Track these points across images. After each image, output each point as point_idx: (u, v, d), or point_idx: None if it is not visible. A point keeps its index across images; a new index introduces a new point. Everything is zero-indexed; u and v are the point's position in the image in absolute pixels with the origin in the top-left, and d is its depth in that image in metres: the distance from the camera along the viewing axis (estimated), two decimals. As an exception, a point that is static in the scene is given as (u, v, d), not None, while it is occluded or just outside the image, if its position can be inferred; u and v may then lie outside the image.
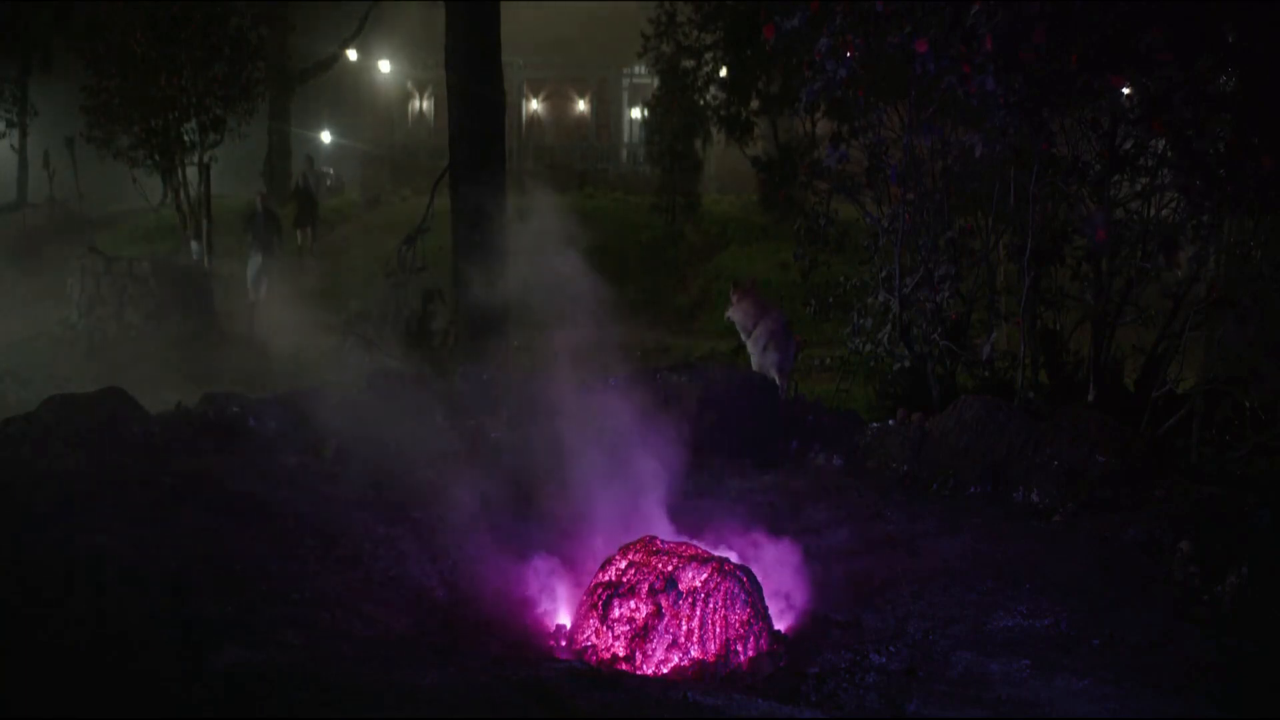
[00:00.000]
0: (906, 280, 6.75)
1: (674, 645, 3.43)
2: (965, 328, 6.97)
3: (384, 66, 32.20)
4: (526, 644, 3.66)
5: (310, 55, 25.04)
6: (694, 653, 3.42)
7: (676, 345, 14.13)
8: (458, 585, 3.97)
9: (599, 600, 3.55)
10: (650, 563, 3.58)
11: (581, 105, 34.88)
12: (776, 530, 4.30)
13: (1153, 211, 6.29)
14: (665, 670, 3.40)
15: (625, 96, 34.20)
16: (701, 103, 22.98)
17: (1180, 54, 5.48)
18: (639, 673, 3.38)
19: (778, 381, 7.96)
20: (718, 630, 3.45)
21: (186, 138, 14.79)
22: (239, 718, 2.58)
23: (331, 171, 27.17)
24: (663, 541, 3.72)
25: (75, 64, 15.38)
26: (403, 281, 12.53)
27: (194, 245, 15.14)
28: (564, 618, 3.83)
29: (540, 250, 5.05)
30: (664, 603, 3.46)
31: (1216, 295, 5.99)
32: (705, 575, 3.51)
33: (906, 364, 7.02)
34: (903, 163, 6.62)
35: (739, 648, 3.45)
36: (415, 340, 11.81)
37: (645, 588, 3.50)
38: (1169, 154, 6.00)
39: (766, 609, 3.63)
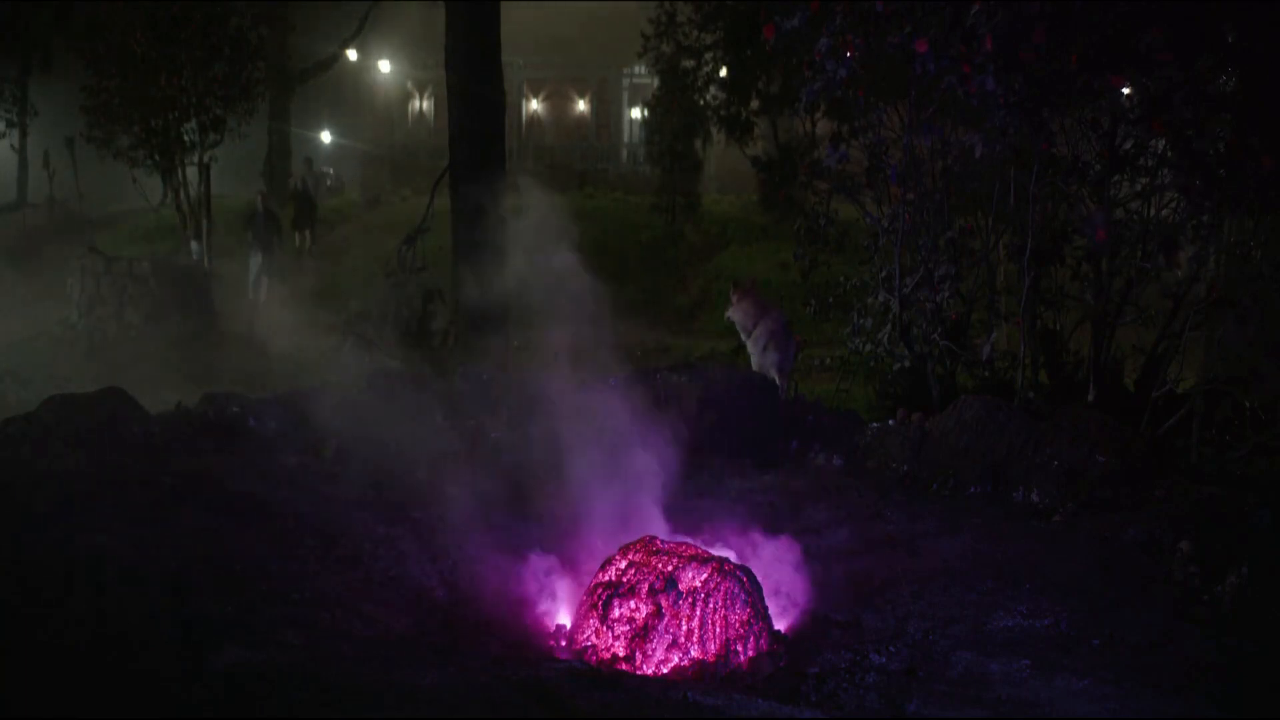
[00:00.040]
0: (906, 280, 6.75)
1: (674, 645, 3.43)
2: (965, 328, 6.97)
3: (384, 66, 32.20)
4: (526, 644, 3.66)
5: (310, 55, 25.03)
6: (694, 653, 3.42)
7: (676, 345, 14.12)
8: (458, 585, 3.97)
9: (599, 600, 3.55)
10: (650, 563, 3.58)
11: (581, 105, 34.88)
12: (776, 530, 4.30)
13: (1153, 211, 6.29)
14: (665, 670, 3.40)
15: (625, 96, 34.19)
16: (701, 103, 22.97)
17: (1180, 54, 5.48)
18: (639, 673, 3.38)
19: (778, 381, 7.96)
20: (718, 630, 3.45)
21: (186, 138, 14.78)
22: (239, 718, 2.58)
23: (331, 171, 27.18)
24: (663, 541, 3.72)
25: (75, 64, 15.38)
26: (403, 281, 12.54)
27: (194, 245, 15.14)
28: (564, 618, 3.82)
29: (540, 250, 5.05)
30: (664, 603, 3.46)
31: (1216, 295, 5.99)
32: (705, 575, 3.51)
33: (906, 364, 7.02)
34: (903, 163, 6.62)
35: (739, 648, 3.45)
36: (415, 340, 11.82)
37: (645, 588, 3.50)
38: (1169, 154, 6.00)
39: (766, 609, 3.63)
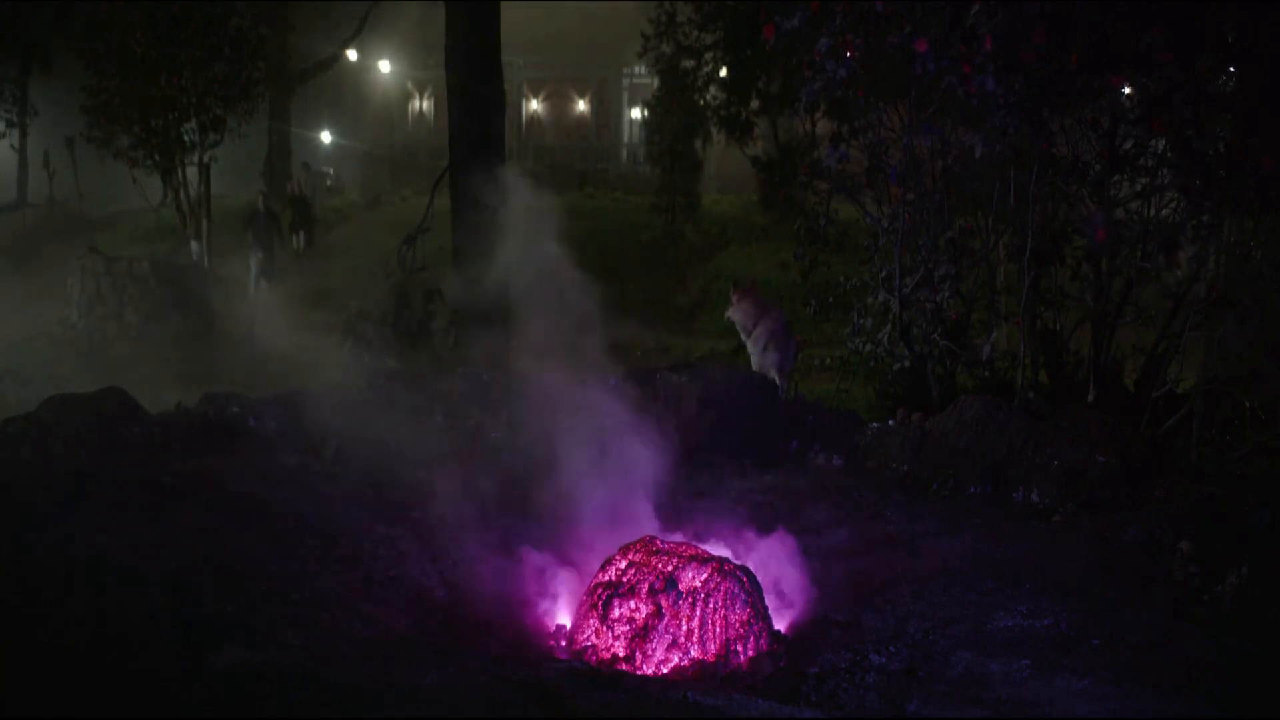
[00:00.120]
0: (906, 280, 6.75)
1: (674, 645, 3.43)
2: (965, 328, 6.97)
3: (384, 66, 32.19)
4: (526, 644, 3.66)
5: (310, 55, 25.01)
6: (694, 653, 3.42)
7: (676, 345, 14.12)
8: (458, 585, 3.97)
9: (599, 600, 3.55)
10: (650, 563, 3.58)
11: (581, 105, 34.88)
12: (776, 530, 4.30)
13: (1153, 211, 6.30)
14: (665, 670, 3.40)
15: (625, 96, 34.18)
16: (701, 103, 22.96)
17: (1180, 54, 5.48)
18: (639, 673, 3.38)
19: (778, 381, 7.96)
20: (718, 630, 3.45)
21: (186, 138, 14.77)
22: (239, 718, 2.58)
23: (331, 171, 27.16)
24: (662, 541, 3.72)
25: (75, 64, 15.35)
26: (403, 281, 12.53)
27: (194, 245, 15.13)
28: (564, 618, 3.82)
29: (540, 250, 5.05)
30: (664, 603, 3.46)
31: (1216, 295, 5.99)
32: (705, 575, 3.51)
33: (906, 364, 7.02)
34: (903, 163, 6.62)
35: (739, 648, 3.45)
36: (415, 340, 11.81)
37: (645, 588, 3.50)
38: (1169, 154, 6.00)
39: (766, 609, 3.63)
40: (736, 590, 3.51)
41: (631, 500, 4.21)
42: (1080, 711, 3.03)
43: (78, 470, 4.46)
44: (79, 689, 2.67)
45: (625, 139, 33.96)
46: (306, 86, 25.13)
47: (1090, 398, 6.20)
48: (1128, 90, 6.04)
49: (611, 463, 4.26)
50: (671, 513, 4.51)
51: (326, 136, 28.67)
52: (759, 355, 8.62)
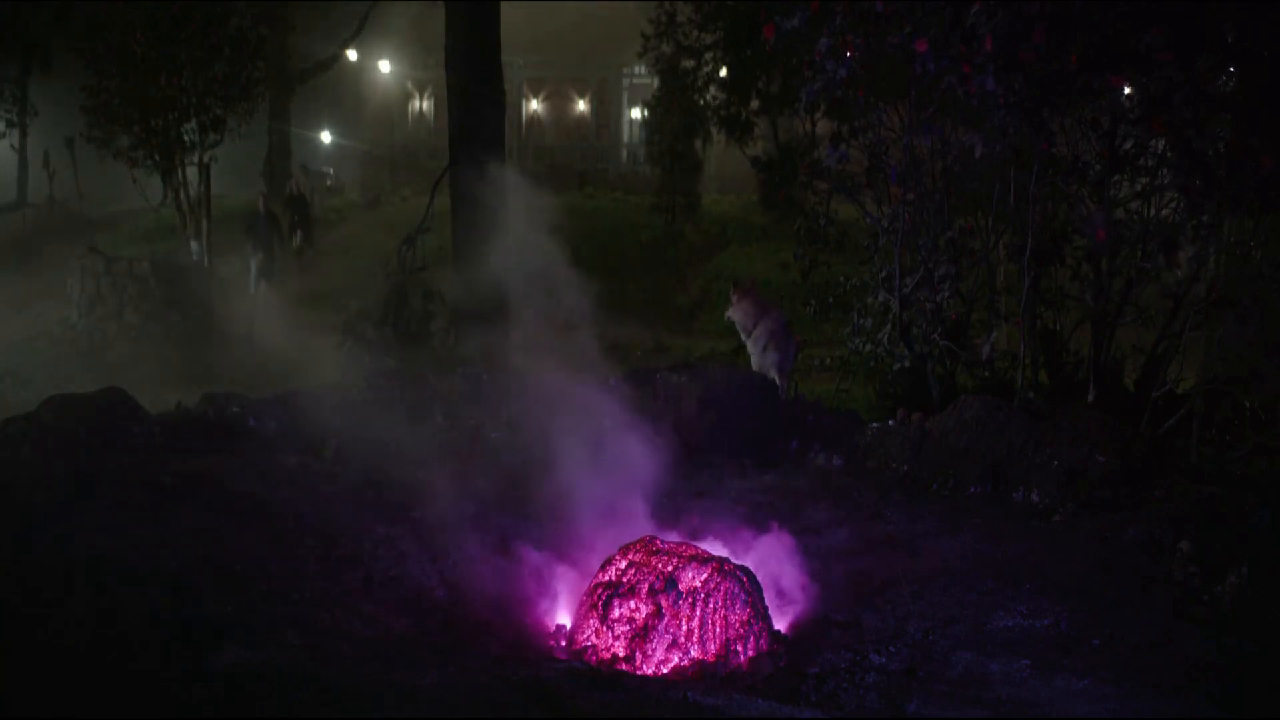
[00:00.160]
0: (906, 280, 6.75)
1: (674, 645, 3.43)
2: (965, 328, 6.97)
3: (384, 66, 32.20)
4: (526, 644, 3.66)
5: (310, 55, 25.03)
6: (694, 653, 3.42)
7: (676, 345, 14.12)
8: (458, 585, 3.97)
9: (599, 600, 3.55)
10: (650, 563, 3.58)
11: (581, 105, 34.89)
12: (775, 530, 4.30)
13: (1153, 211, 6.30)
14: (665, 670, 3.40)
15: (625, 96, 34.19)
16: (701, 103, 22.96)
17: (1180, 54, 5.48)
18: (639, 673, 3.38)
19: (778, 381, 7.96)
20: (718, 630, 3.45)
21: (186, 138, 14.76)
22: (239, 718, 2.58)
23: (331, 171, 27.16)
24: (662, 541, 3.72)
25: (75, 64, 15.36)
26: (402, 281, 12.54)
27: (194, 245, 15.13)
28: (564, 618, 3.83)
29: (540, 250, 5.05)
30: (664, 603, 3.46)
31: (1216, 295, 5.99)
32: (705, 575, 3.51)
33: (906, 364, 7.02)
34: (903, 163, 6.62)
35: (739, 648, 3.45)
36: (414, 340, 11.81)
37: (645, 588, 3.50)
38: (1169, 154, 6.00)
39: (766, 609, 3.63)
40: (736, 590, 3.51)
41: (631, 500, 4.21)
42: (1080, 711, 3.03)
43: (78, 470, 4.46)
44: (79, 689, 2.67)
45: (625, 139, 33.97)
46: (306, 86, 25.15)
47: (1090, 398, 6.20)
48: (1128, 90, 6.04)
49: (611, 462, 4.26)
50: (671, 512, 4.51)
51: (326, 136, 28.68)
52: (759, 355, 8.62)
